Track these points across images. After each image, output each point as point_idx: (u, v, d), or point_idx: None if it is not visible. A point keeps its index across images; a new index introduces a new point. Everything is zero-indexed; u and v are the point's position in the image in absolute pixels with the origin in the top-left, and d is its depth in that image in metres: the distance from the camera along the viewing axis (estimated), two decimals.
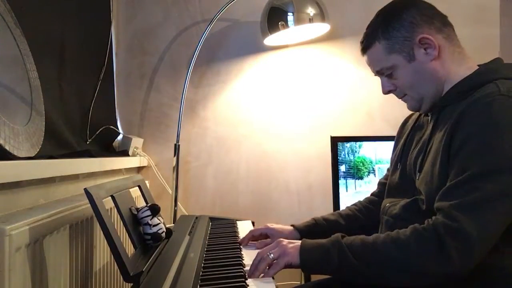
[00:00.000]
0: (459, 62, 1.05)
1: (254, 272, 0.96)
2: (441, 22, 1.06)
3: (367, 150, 1.84)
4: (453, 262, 0.83)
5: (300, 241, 0.99)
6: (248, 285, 0.89)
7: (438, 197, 0.91)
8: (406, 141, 1.17)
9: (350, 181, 1.82)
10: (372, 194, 1.35)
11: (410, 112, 1.26)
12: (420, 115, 1.19)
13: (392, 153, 1.26)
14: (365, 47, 1.11)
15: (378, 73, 1.12)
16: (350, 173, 1.82)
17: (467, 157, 0.89)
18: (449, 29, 1.06)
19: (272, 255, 0.97)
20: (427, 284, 0.89)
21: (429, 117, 1.10)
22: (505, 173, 0.85)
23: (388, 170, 1.26)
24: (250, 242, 1.27)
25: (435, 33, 1.04)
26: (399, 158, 1.16)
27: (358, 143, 1.84)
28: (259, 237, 1.29)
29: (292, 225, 1.30)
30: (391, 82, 1.10)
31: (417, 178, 1.03)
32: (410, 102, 1.11)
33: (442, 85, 1.05)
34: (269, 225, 1.31)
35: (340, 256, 0.92)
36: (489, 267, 0.87)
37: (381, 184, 1.32)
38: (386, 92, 1.13)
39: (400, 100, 1.14)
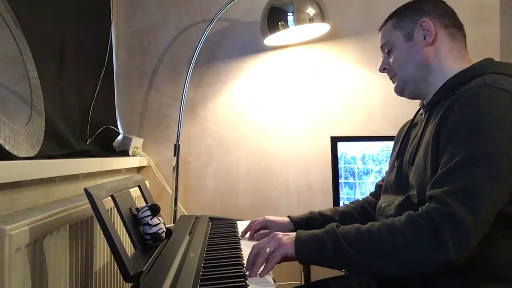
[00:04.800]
0: (455, 59, 1.08)
1: (253, 268, 0.97)
2: (452, 22, 1.11)
3: (361, 149, 1.81)
4: (448, 248, 0.83)
5: (295, 233, 0.99)
6: (248, 285, 0.89)
7: (430, 186, 0.91)
8: (403, 140, 1.19)
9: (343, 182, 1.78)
10: (370, 194, 1.38)
11: (410, 112, 1.28)
12: (416, 114, 1.22)
13: (391, 156, 1.28)
14: (381, 26, 1.19)
15: (381, 48, 1.19)
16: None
17: (456, 144, 0.90)
18: (457, 32, 1.11)
19: (268, 249, 0.98)
20: (423, 272, 0.88)
21: (423, 115, 1.13)
22: (494, 158, 0.86)
23: (386, 172, 1.27)
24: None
25: (439, 25, 1.09)
26: (396, 157, 1.18)
27: (352, 142, 1.81)
28: (259, 230, 1.34)
29: (288, 216, 1.34)
30: (388, 60, 1.16)
31: (410, 171, 1.05)
32: (396, 83, 1.16)
33: (430, 74, 1.09)
34: (268, 217, 1.35)
35: (335, 245, 0.92)
36: (478, 259, 0.87)
37: (378, 186, 1.34)
38: (381, 69, 1.19)
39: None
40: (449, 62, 1.07)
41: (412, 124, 1.20)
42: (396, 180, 1.13)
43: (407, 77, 1.12)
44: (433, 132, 0.97)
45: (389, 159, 1.30)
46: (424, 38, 1.08)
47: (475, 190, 0.85)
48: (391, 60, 1.15)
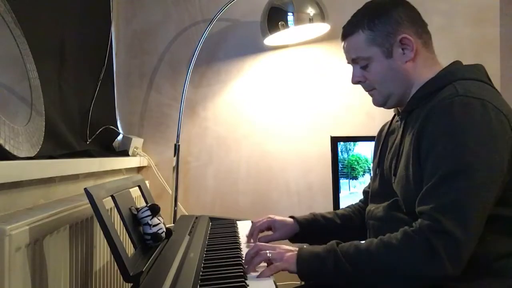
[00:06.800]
0: (429, 67, 1.08)
1: (249, 265, 0.99)
2: (422, 28, 1.10)
3: (362, 148, 1.80)
4: (444, 262, 0.86)
5: (297, 249, 1.01)
6: (248, 285, 0.89)
7: (418, 202, 0.94)
8: (382, 147, 1.20)
9: (344, 181, 1.76)
10: (360, 201, 1.38)
11: None
12: (392, 120, 1.23)
13: (372, 162, 1.29)
14: (347, 33, 1.13)
15: (353, 61, 1.14)
16: (344, 172, 1.76)
17: (437, 158, 0.92)
18: (427, 37, 1.10)
19: (270, 255, 1.00)
20: (421, 286, 0.92)
21: (399, 122, 1.13)
22: (474, 168, 0.88)
23: (371, 178, 1.28)
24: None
25: (415, 36, 1.07)
26: (377, 165, 1.19)
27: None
28: (264, 230, 1.33)
29: (291, 217, 1.33)
30: (362, 73, 1.12)
31: (393, 181, 1.07)
32: (376, 97, 1.14)
33: (410, 87, 1.08)
34: (272, 216, 1.33)
35: (335, 264, 0.94)
36: (472, 255, 0.89)
37: (365, 193, 1.35)
38: (355, 81, 1.15)
39: None
40: (425, 72, 1.07)
41: (389, 131, 1.20)
42: (381, 189, 1.14)
43: (389, 93, 1.10)
44: (412, 143, 0.99)
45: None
46: (403, 52, 1.06)
47: (461, 203, 0.88)
48: (367, 74, 1.11)
